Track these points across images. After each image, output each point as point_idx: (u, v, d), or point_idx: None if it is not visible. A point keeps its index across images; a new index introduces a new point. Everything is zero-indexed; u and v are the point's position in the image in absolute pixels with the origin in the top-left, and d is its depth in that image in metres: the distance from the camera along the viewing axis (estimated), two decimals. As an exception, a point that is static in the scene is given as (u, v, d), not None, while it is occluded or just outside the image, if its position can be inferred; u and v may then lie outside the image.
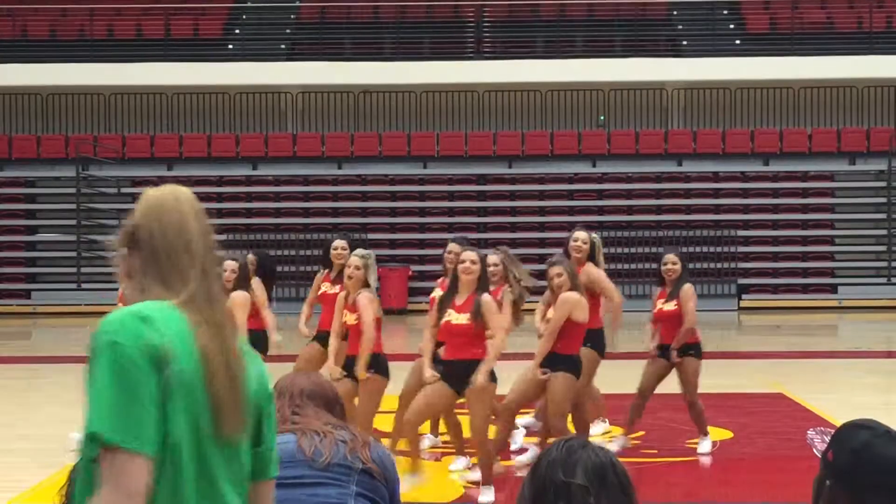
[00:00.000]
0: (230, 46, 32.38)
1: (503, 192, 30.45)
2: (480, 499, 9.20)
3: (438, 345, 9.63)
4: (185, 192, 3.19)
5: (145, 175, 30.49)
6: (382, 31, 32.69)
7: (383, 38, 32.51)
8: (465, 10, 33.34)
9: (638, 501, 3.07)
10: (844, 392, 14.84)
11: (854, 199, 30.12)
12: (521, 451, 10.60)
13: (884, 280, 28.80)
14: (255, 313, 10.71)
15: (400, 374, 10.41)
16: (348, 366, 9.77)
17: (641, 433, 11.42)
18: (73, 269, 28.74)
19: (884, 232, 29.39)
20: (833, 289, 28.55)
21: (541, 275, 10.64)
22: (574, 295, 9.71)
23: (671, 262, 10.87)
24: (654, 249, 27.98)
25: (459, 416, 10.02)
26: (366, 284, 9.77)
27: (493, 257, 10.24)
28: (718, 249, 28.67)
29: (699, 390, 10.85)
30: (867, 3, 31.65)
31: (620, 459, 3.00)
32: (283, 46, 32.63)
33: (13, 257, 29.97)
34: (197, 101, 31.55)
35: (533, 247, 27.52)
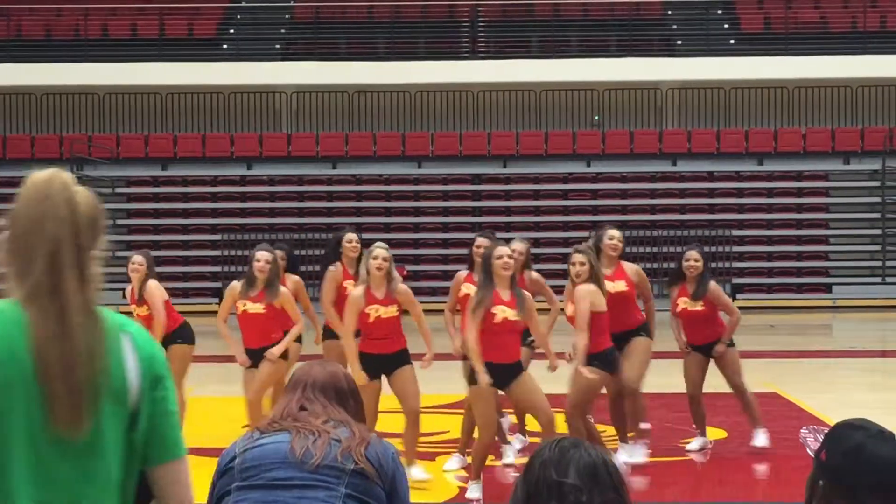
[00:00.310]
0: (224, 46, 32.37)
1: (498, 191, 30.46)
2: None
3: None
4: (61, 177, 3.00)
5: (140, 175, 30.51)
6: (377, 30, 32.69)
7: (378, 37, 32.51)
8: (459, 10, 33.34)
9: (630, 500, 3.08)
10: (838, 391, 14.85)
11: (848, 199, 30.15)
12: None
13: (878, 280, 28.82)
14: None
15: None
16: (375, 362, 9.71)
17: (633, 434, 11.41)
18: (68, 269, 28.69)
19: (878, 231, 29.42)
20: (827, 288, 28.57)
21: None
22: (588, 286, 9.59)
23: (693, 258, 10.80)
24: (649, 249, 28.01)
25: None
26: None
27: (519, 245, 10.14)
28: (713, 249, 28.67)
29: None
30: (861, 3, 31.68)
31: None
32: (277, 46, 32.62)
33: (7, 257, 29.91)
34: (191, 100, 31.54)
35: (527, 246, 27.53)
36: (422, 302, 11.36)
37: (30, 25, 32.38)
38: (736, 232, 29.44)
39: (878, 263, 29.02)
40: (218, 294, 28.40)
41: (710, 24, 32.81)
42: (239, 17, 33.67)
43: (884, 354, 20.67)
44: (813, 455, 3.39)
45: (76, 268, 3.03)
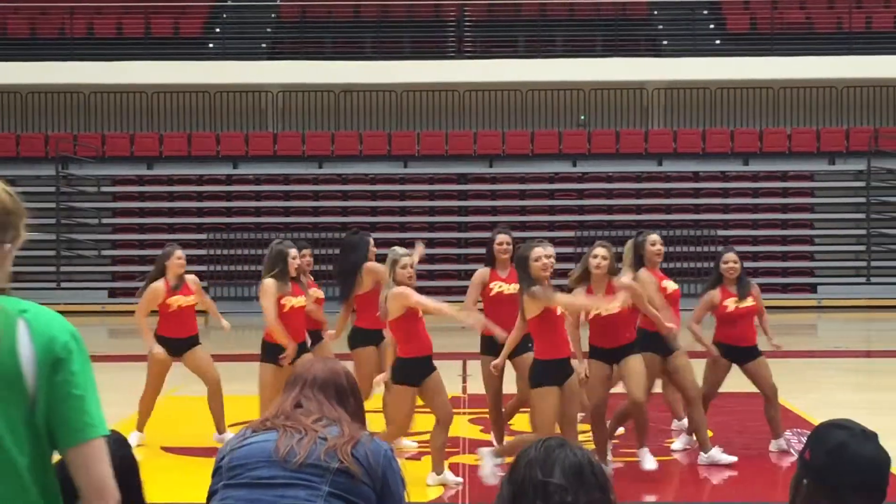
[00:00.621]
0: (210, 45, 32.34)
1: (484, 191, 30.47)
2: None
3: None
4: None
5: (125, 174, 30.45)
6: (363, 30, 32.68)
7: (364, 37, 32.50)
8: (445, 10, 33.35)
9: (616, 500, 3.08)
10: (823, 391, 14.89)
11: (833, 199, 30.21)
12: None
13: (863, 280, 28.89)
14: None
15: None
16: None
17: (622, 431, 11.44)
18: (53, 268, 28.64)
19: (863, 232, 29.49)
20: (812, 288, 28.62)
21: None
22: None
23: (732, 260, 11.14)
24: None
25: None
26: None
27: (602, 251, 10.09)
28: (698, 249, 28.71)
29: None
30: (846, 4, 31.75)
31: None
32: (263, 45, 32.60)
33: (-8, 256, 29.83)
34: (177, 99, 31.50)
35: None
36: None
37: (15, 24, 32.32)
38: (721, 232, 29.48)
39: (863, 264, 29.10)
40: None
41: (696, 24, 32.86)
42: (225, 15, 33.63)
43: (868, 354, 20.71)
44: (797, 455, 3.41)
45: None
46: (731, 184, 30.23)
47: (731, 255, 11.19)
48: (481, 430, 12.07)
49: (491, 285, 10.67)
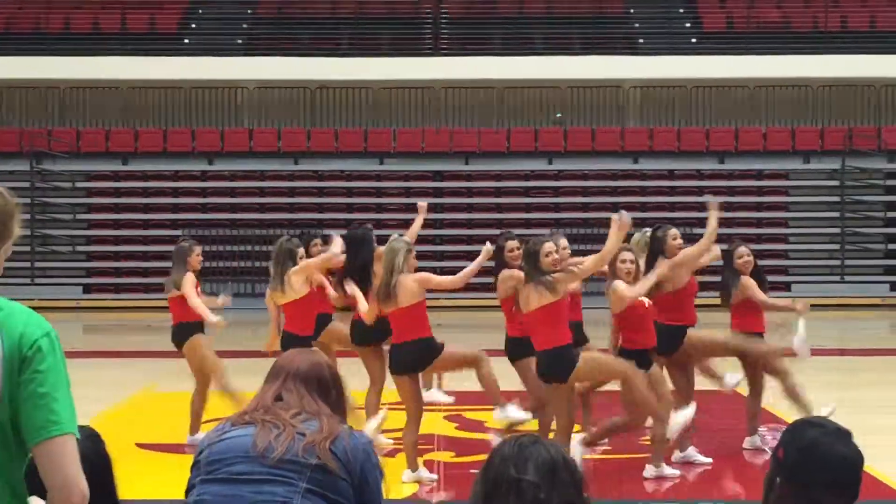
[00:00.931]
0: (186, 41, 32.24)
1: (460, 188, 30.46)
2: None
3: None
4: None
5: (100, 169, 30.34)
6: (340, 26, 32.64)
7: (340, 33, 32.46)
8: (423, 7, 33.33)
9: (589, 498, 3.09)
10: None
11: (808, 198, 30.31)
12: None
13: (837, 278, 28.98)
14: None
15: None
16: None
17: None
18: (27, 264, 28.53)
19: (837, 230, 29.60)
20: (787, 287, 28.68)
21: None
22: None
23: (746, 254, 11.21)
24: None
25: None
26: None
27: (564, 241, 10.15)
28: (674, 247, 28.71)
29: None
30: (822, 4, 31.86)
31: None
32: (239, 41, 32.52)
33: (-34, 251, 29.70)
34: (153, 95, 31.40)
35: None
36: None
37: (-10, 18, 32.17)
38: (697, 230, 29.36)
39: (837, 262, 29.20)
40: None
41: (673, 22, 32.91)
42: (201, 11, 33.53)
43: (842, 353, 20.77)
44: (770, 452, 3.42)
45: None
46: (707, 182, 30.29)
47: (743, 249, 11.26)
48: (456, 428, 12.07)
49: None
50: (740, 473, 10.47)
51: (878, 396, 12.46)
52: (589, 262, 9.77)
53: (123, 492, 4.10)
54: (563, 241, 9.86)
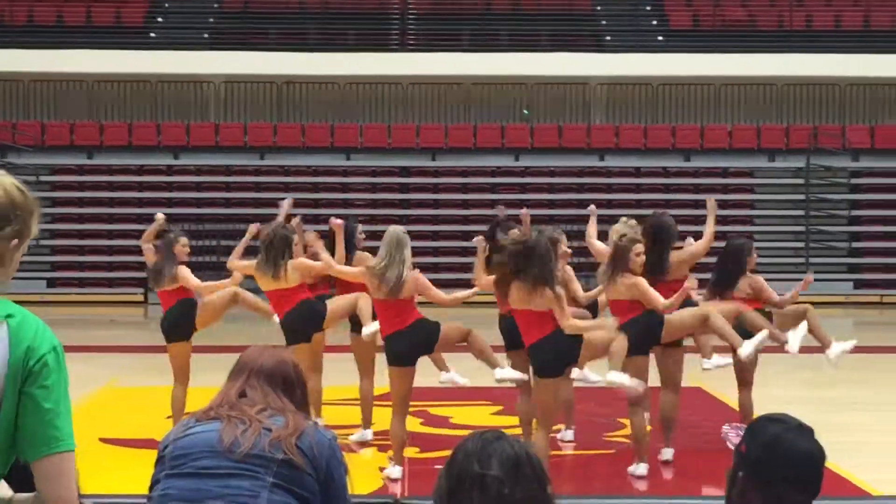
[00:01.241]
0: (152, 35, 32.11)
1: (426, 184, 30.46)
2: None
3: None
4: None
5: (65, 163, 30.19)
6: (307, 21, 32.57)
7: (307, 28, 32.40)
8: (390, 2, 33.31)
9: (553, 493, 3.09)
10: (763, 387, 14.96)
11: (773, 196, 30.46)
12: None
13: (802, 276, 29.06)
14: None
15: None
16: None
17: (560, 427, 11.48)
18: (-9, 258, 28.35)
19: (802, 228, 29.75)
20: (751, 284, 28.81)
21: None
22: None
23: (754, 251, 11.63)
24: (575, 243, 28.07)
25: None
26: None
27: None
28: (639, 244, 28.81)
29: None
30: (787, 3, 32.00)
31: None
32: (205, 35, 32.40)
33: (-71, 245, 29.50)
34: (118, 89, 31.26)
35: (455, 239, 27.58)
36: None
37: (-46, 10, 31.95)
38: (662, 227, 29.58)
39: (802, 260, 29.34)
40: (142, 284, 28.20)
41: (639, 20, 32.99)
42: (167, 5, 33.40)
43: (809, 350, 20.85)
44: (734, 448, 3.44)
45: None
46: (673, 179, 30.40)
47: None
48: (421, 423, 12.07)
49: None
50: (702, 469, 10.49)
51: (842, 394, 12.54)
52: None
53: (86, 487, 4.09)
54: (563, 238, 10.22)
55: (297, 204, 29.58)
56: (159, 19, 32.80)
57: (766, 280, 11.66)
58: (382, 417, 11.19)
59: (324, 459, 4.13)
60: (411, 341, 9.66)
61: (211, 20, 33.10)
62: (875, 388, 11.91)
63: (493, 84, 31.23)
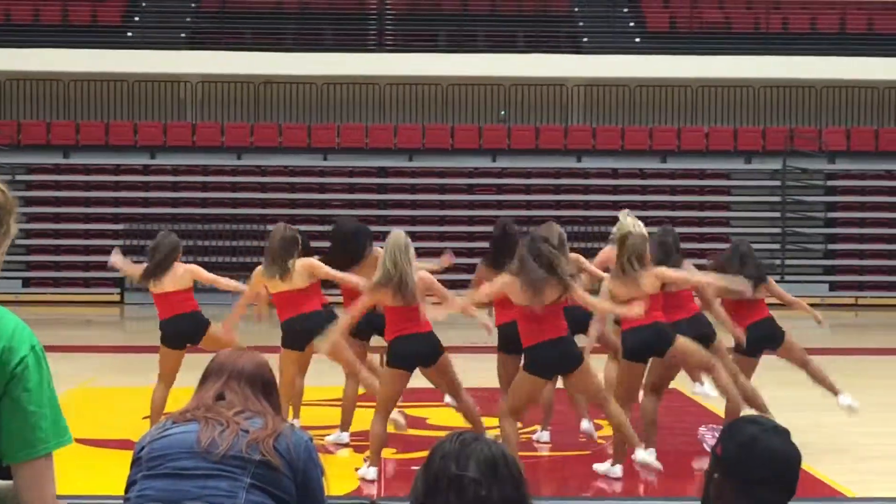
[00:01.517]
0: (129, 34, 32.02)
1: (403, 185, 30.45)
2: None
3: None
4: None
5: (41, 162, 30.09)
6: (284, 21, 32.54)
7: (285, 28, 32.36)
8: (367, 3, 33.30)
9: (530, 495, 3.10)
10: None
11: (749, 198, 30.56)
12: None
13: (777, 277, 29.09)
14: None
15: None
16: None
17: (536, 427, 11.49)
18: (-34, 257, 28.25)
19: (778, 230, 29.85)
20: (727, 286, 28.87)
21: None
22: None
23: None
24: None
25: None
26: None
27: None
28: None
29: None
30: (764, 5, 32.10)
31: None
32: (183, 35, 32.33)
33: None
34: (95, 88, 31.16)
35: (433, 240, 27.56)
36: (326, 293, 11.42)
37: (-71, 8, 31.81)
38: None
39: (778, 262, 29.44)
40: (119, 284, 28.13)
41: (617, 22, 33.04)
42: (144, 4, 33.32)
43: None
44: (709, 450, 3.45)
45: None
46: (649, 181, 30.46)
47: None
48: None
49: None
50: (679, 471, 10.51)
51: (817, 395, 12.57)
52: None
53: (62, 488, 4.07)
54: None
55: (274, 204, 29.73)
56: (136, 18, 32.72)
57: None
58: (359, 419, 11.19)
59: (301, 461, 4.15)
60: (430, 344, 9.71)
61: (188, 20, 33.03)
62: (850, 390, 11.94)
63: (470, 85, 31.25)
